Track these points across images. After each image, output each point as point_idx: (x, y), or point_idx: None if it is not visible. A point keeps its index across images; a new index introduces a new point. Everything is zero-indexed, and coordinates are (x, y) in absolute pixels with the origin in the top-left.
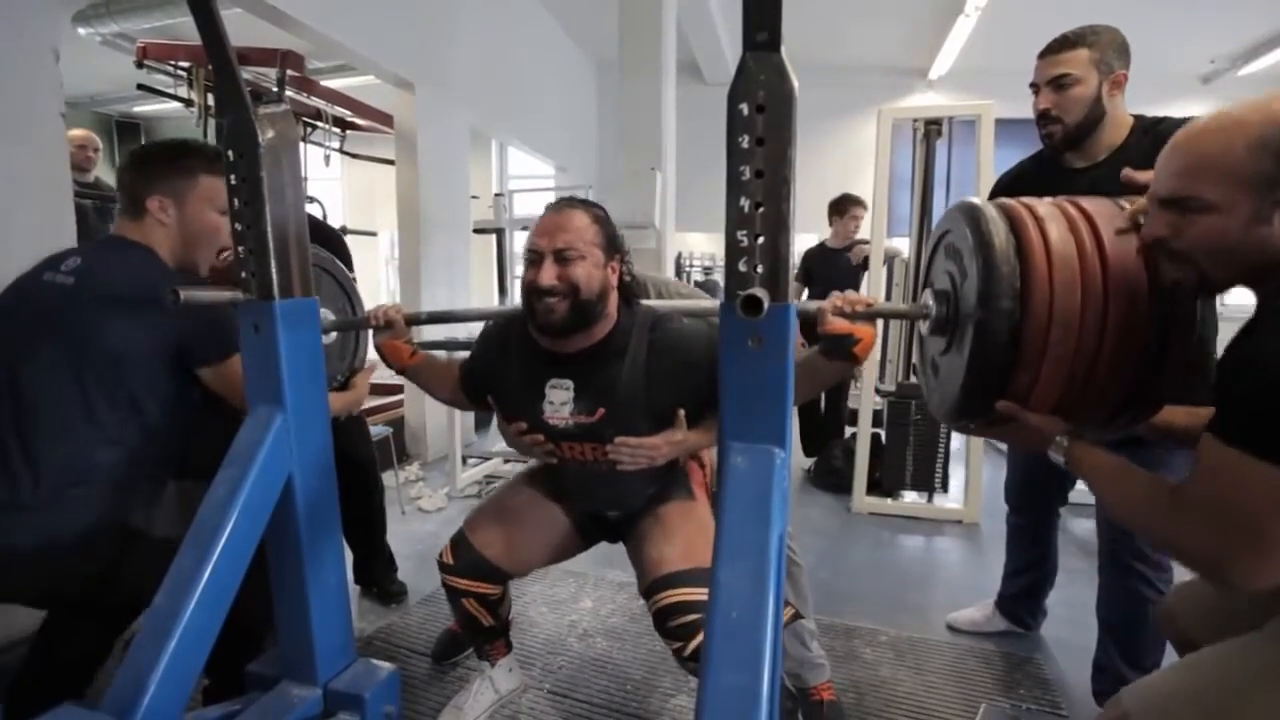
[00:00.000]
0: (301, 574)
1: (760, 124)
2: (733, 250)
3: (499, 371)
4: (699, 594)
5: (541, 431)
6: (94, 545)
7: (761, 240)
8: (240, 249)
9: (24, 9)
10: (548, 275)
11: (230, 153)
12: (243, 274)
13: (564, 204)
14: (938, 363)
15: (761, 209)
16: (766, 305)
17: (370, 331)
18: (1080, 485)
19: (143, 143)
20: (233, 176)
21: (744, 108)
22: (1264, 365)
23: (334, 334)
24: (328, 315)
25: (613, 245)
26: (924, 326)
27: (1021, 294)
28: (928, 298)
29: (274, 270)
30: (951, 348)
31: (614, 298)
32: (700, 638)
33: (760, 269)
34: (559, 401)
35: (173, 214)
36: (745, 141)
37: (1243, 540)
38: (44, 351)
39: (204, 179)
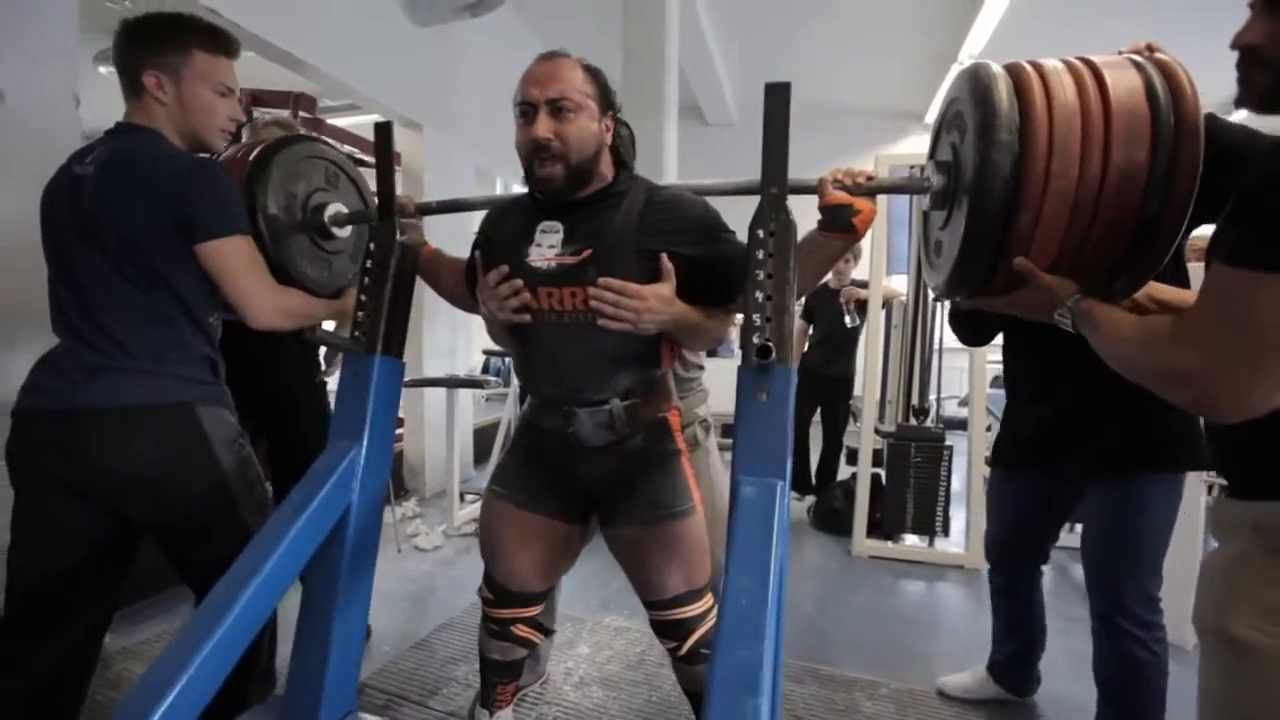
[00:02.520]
0: (331, 612)
1: (771, 244)
2: (748, 327)
3: (497, 225)
4: (697, 609)
5: (521, 276)
6: (174, 426)
7: (770, 320)
8: (359, 314)
9: (48, 56)
10: (543, 127)
11: (371, 244)
12: (356, 332)
13: (554, 53)
14: (939, 239)
15: (770, 300)
16: (774, 354)
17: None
18: (1075, 528)
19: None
20: (368, 261)
21: (760, 233)
22: None
23: (350, 233)
24: (342, 210)
25: (607, 99)
26: (925, 202)
27: (1021, 129)
28: (930, 170)
29: (381, 332)
30: (952, 217)
31: (608, 156)
32: (693, 639)
33: (769, 341)
34: (546, 244)
35: (170, 91)
36: (760, 254)
37: (1242, 356)
38: (81, 241)
39: (199, 55)
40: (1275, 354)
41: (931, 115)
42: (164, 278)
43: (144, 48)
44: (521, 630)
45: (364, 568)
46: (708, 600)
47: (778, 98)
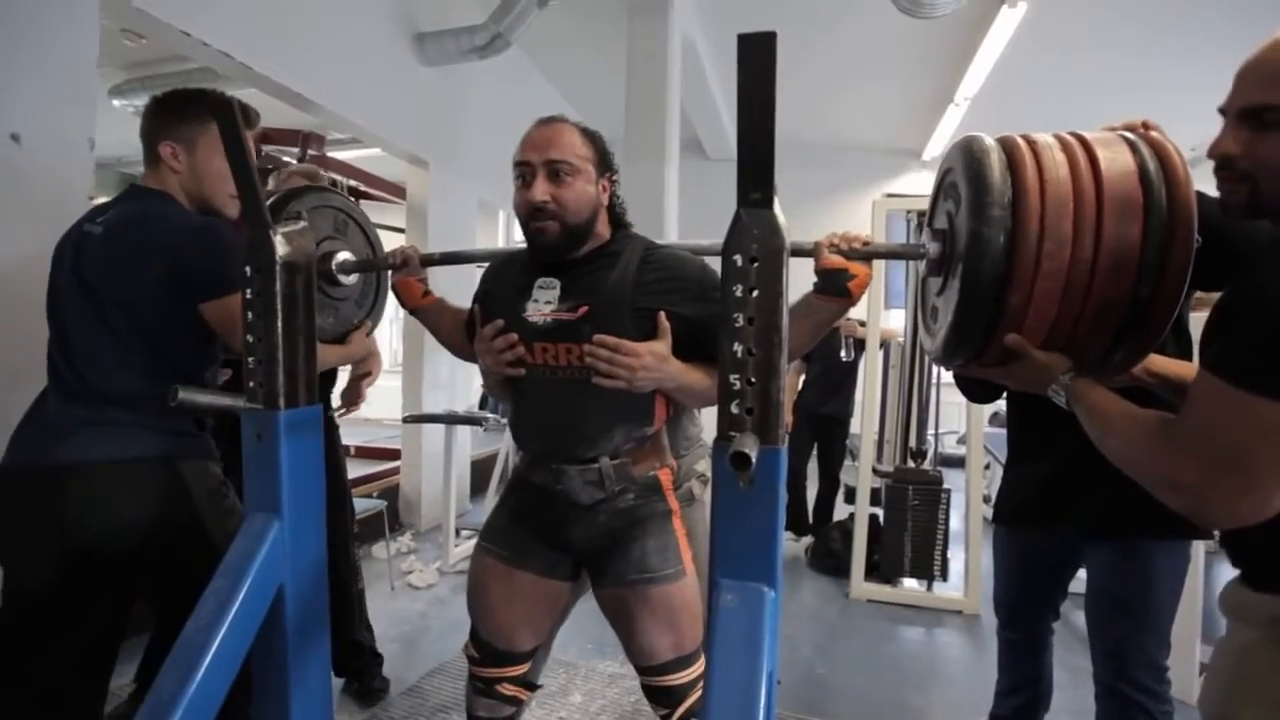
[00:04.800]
0: (286, 688)
1: (753, 274)
2: (726, 393)
3: (498, 278)
4: (687, 676)
5: (518, 330)
6: (155, 481)
7: (754, 384)
8: (250, 359)
9: (66, 100)
10: (540, 191)
11: (248, 268)
12: (250, 383)
13: (553, 118)
14: (935, 305)
15: (754, 356)
16: (755, 458)
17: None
18: (1080, 573)
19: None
20: (248, 291)
21: (738, 259)
22: (1269, 299)
23: (356, 279)
24: (349, 257)
25: (605, 162)
26: (923, 268)
27: (1013, 207)
28: (926, 237)
29: (281, 381)
30: (947, 286)
31: (604, 217)
32: (684, 708)
33: (752, 413)
34: (542, 300)
35: (184, 160)
36: (739, 290)
37: (1229, 472)
38: (78, 295)
39: (216, 126)
40: (1259, 468)
41: (929, 153)
42: (155, 335)
43: (167, 119)
44: (508, 689)
45: (314, 640)
46: (699, 666)
47: (758, 52)
